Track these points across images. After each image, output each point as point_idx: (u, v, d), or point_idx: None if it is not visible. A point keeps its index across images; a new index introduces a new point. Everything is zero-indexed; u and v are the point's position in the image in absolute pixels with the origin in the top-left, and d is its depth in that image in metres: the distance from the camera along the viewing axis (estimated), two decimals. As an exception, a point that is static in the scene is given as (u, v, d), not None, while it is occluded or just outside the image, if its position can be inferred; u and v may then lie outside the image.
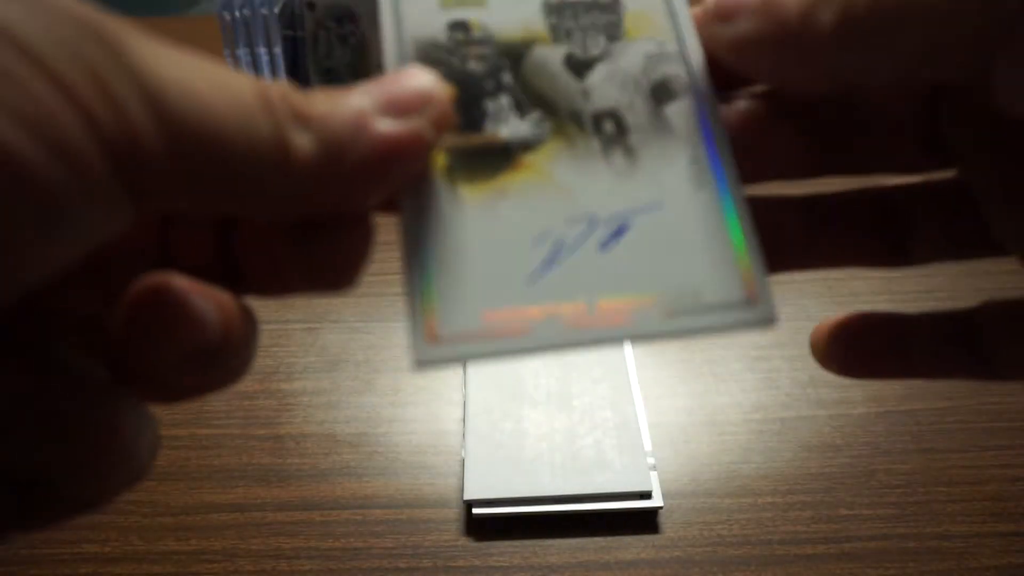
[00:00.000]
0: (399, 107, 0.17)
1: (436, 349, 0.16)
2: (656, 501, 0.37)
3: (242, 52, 0.57)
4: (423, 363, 0.16)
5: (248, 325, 0.18)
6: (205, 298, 0.17)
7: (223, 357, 0.17)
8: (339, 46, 0.60)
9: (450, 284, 0.17)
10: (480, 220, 0.18)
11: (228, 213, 0.16)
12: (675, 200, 0.18)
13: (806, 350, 0.44)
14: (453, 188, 0.18)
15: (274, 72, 0.58)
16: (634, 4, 0.21)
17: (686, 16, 0.20)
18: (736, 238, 0.18)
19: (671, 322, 0.17)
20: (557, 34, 0.20)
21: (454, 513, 0.38)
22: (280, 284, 0.19)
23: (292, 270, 0.18)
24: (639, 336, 0.17)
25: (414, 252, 0.18)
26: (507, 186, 0.18)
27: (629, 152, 0.19)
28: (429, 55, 0.19)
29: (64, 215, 0.13)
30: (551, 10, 0.20)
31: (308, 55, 0.59)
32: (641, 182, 0.18)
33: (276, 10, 0.57)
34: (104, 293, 0.18)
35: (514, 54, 0.20)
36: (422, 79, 0.17)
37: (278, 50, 0.58)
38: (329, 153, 0.16)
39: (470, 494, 0.37)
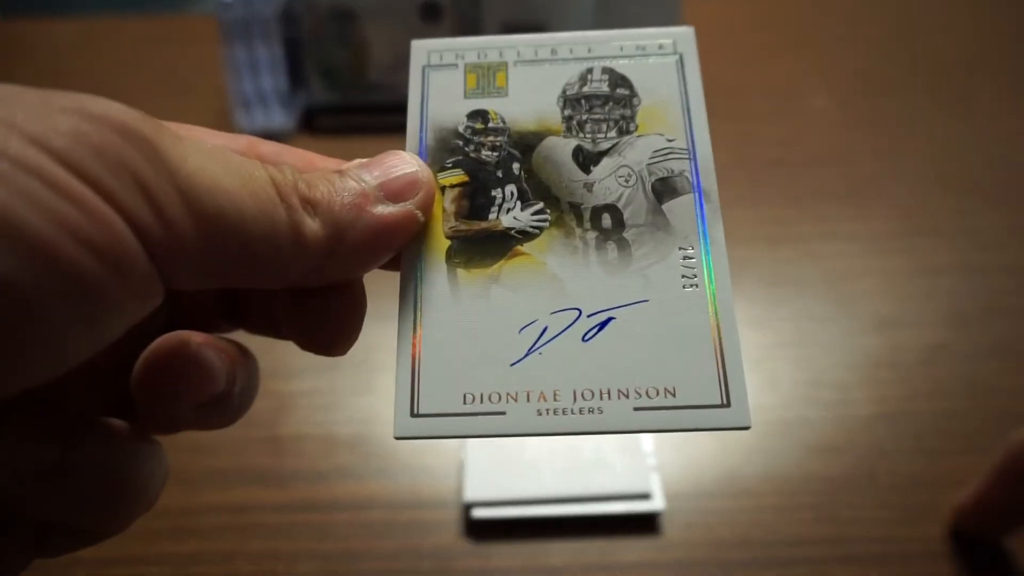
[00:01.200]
0: (393, 194, 0.19)
1: (416, 424, 0.18)
2: (657, 502, 0.36)
3: (241, 52, 0.57)
4: (403, 436, 0.18)
5: (251, 369, 0.20)
6: (217, 351, 0.19)
7: (230, 402, 0.20)
8: (339, 46, 0.59)
9: (436, 364, 0.18)
10: (472, 304, 0.19)
11: (243, 287, 0.18)
12: (662, 298, 0.19)
13: (808, 350, 0.44)
14: (452, 271, 0.19)
15: (274, 72, 0.58)
16: (650, 98, 0.21)
17: (701, 114, 0.21)
18: (717, 341, 0.18)
19: (643, 418, 0.17)
20: (570, 126, 0.21)
21: (454, 515, 0.37)
22: (277, 335, 0.21)
23: (290, 331, 0.20)
24: (611, 429, 0.17)
25: (408, 329, 0.19)
26: (501, 273, 0.19)
27: (623, 246, 0.19)
28: (446, 143, 0.21)
29: (106, 309, 0.15)
30: (567, 102, 0.21)
31: (308, 55, 0.59)
32: (630, 278, 0.19)
33: (276, 10, 0.57)
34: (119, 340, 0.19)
35: (525, 144, 0.21)
36: (411, 168, 0.19)
37: (278, 50, 0.57)
38: (335, 234, 0.17)
39: (470, 495, 0.36)
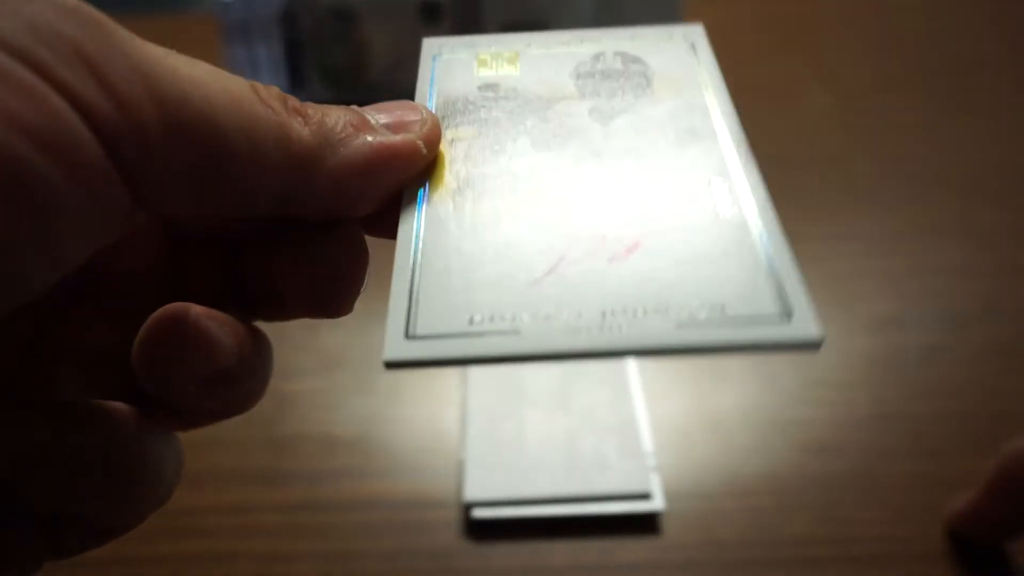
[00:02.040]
0: (395, 126, 0.18)
1: (412, 345, 0.15)
2: (657, 503, 0.36)
3: (241, 52, 0.57)
4: (395, 362, 0.15)
5: (261, 348, 0.19)
6: (220, 323, 0.17)
7: (238, 380, 0.18)
8: (339, 46, 0.59)
9: (437, 282, 0.16)
10: (480, 230, 0.17)
11: (227, 211, 0.16)
12: (694, 222, 0.17)
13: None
14: (458, 204, 0.18)
15: (274, 72, 0.58)
16: (665, 73, 0.21)
17: (716, 75, 0.21)
18: (764, 253, 0.16)
19: (688, 334, 0.14)
20: (584, 92, 0.20)
21: (453, 515, 0.37)
22: (283, 308, 0.20)
23: (293, 293, 0.19)
24: (650, 347, 0.14)
25: (406, 248, 0.17)
26: (513, 204, 0.18)
27: (647, 181, 0.18)
28: (456, 106, 0.20)
29: (57, 212, 0.13)
30: (580, 76, 0.21)
31: (308, 55, 0.59)
32: (660, 205, 0.17)
33: (276, 10, 0.57)
34: (116, 323, 0.18)
35: (538, 106, 0.20)
36: (416, 110, 0.18)
37: (278, 50, 0.57)
38: (327, 145, 0.16)
39: (470, 495, 0.36)
